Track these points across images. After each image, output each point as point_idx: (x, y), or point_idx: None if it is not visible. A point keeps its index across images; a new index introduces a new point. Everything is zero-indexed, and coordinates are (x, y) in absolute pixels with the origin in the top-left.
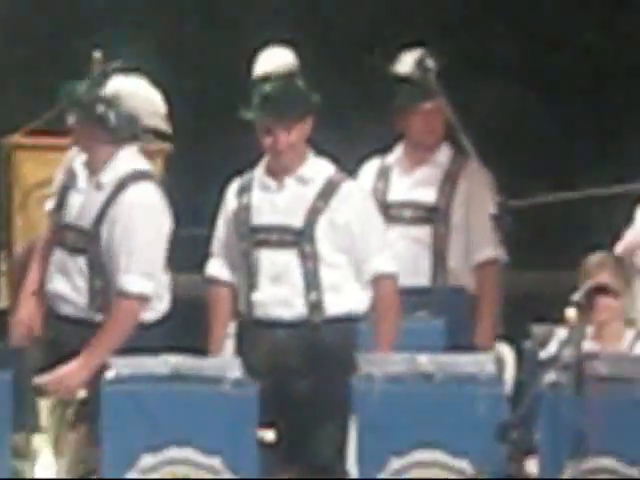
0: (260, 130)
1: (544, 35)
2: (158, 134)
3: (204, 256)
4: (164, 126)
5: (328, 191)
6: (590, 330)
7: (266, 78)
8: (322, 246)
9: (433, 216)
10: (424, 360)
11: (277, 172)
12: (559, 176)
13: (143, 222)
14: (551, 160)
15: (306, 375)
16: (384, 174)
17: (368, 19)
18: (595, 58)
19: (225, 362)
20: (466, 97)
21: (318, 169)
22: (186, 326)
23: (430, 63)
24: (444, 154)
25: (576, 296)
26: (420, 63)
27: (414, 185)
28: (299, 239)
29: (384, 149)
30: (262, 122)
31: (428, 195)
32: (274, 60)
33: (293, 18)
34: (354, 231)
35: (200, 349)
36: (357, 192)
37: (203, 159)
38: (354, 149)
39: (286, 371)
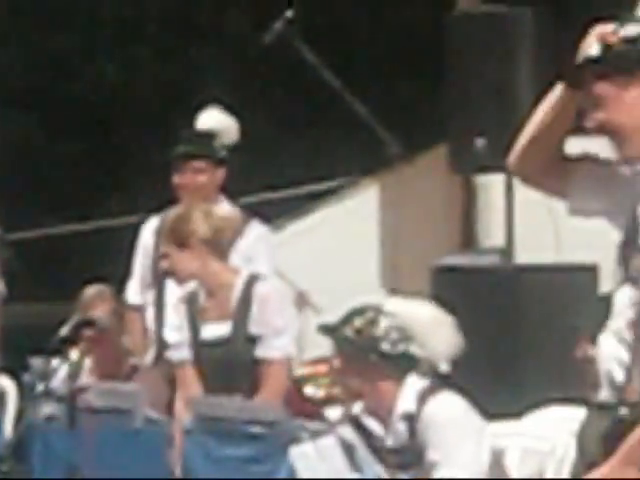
0: None
1: (59, 66)
2: None
3: None
4: None
5: None
6: (88, 362)
7: None
8: None
9: None
10: None
11: None
12: (70, 208)
13: None
14: (62, 192)
15: None
16: None
17: None
18: (106, 89)
19: None
20: None
21: None
22: None
23: None
24: None
25: (65, 330)
26: None
27: None
28: None
29: None
30: None
31: None
32: None
33: None
34: None
35: None
36: None
37: None
38: None
39: None
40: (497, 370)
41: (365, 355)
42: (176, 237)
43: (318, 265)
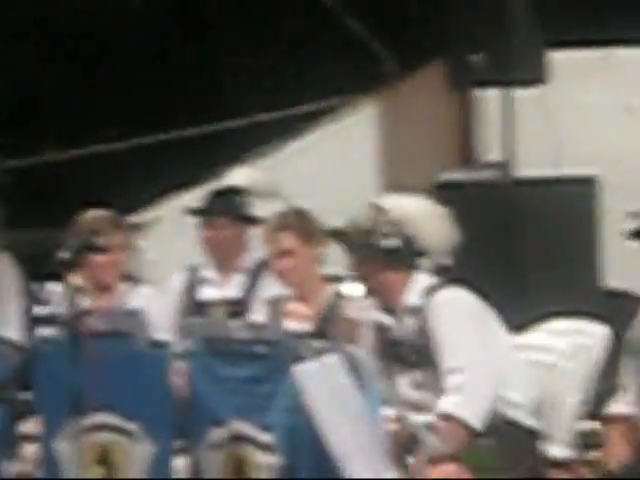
0: None
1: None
2: None
3: None
4: None
5: None
6: (88, 285)
7: None
8: None
9: None
10: None
11: None
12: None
13: None
14: (56, 119)
15: None
16: None
17: None
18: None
19: None
20: None
21: None
22: None
23: None
24: None
25: (65, 253)
26: None
27: None
28: None
29: None
30: None
31: None
32: None
33: None
34: None
35: None
36: None
37: None
38: None
39: None
40: (498, 285)
41: (365, 251)
42: None
43: (317, 184)
